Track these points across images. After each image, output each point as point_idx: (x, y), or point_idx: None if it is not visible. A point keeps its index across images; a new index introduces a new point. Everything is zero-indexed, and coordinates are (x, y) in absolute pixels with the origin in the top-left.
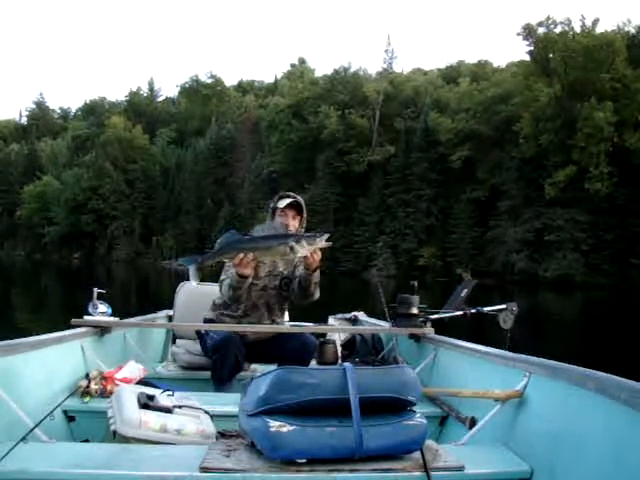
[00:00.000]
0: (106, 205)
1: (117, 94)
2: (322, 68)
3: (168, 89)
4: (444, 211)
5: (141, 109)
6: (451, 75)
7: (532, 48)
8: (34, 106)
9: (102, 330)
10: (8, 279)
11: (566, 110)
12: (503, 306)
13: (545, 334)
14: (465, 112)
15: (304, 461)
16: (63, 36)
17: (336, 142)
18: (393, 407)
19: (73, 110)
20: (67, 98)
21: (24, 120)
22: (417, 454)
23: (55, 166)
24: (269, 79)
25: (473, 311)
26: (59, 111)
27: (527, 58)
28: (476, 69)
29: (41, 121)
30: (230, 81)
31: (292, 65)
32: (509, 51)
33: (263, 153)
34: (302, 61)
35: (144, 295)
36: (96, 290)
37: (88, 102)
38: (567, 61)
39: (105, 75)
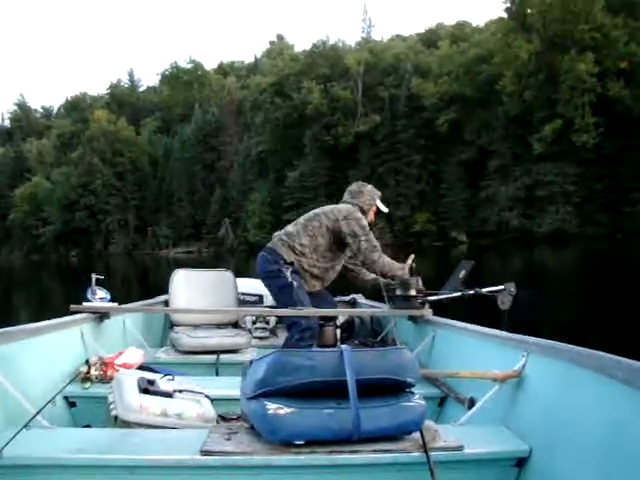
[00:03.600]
0: (98, 200)
1: (98, 88)
2: (301, 43)
3: (149, 78)
4: (435, 176)
5: (124, 101)
6: (431, 39)
7: (509, 5)
8: (16, 107)
9: (101, 316)
10: (8, 281)
11: (547, 64)
12: (501, 287)
13: (545, 291)
14: (447, 75)
15: (302, 443)
16: (39, 34)
17: (321, 116)
18: (391, 389)
19: (55, 108)
20: (48, 96)
21: (7, 123)
22: (416, 435)
23: (43, 166)
24: (249, 59)
25: (471, 292)
26: (42, 110)
27: (505, 16)
28: (455, 31)
29: (24, 122)
30: (210, 64)
31: (271, 42)
32: (487, 10)
33: (250, 134)
34: (280, 38)
35: (144, 285)
36: (94, 276)
37: (70, 99)
38: (545, 15)
39: (85, 69)
